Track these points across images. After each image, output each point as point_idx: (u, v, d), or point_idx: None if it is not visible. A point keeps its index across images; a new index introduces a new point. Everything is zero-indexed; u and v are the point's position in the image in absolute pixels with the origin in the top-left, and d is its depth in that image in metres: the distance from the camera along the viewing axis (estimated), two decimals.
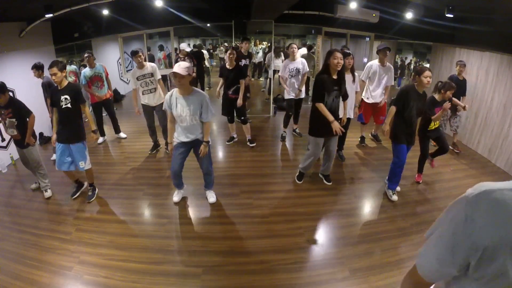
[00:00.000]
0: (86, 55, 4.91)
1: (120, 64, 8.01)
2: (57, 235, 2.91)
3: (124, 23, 6.20)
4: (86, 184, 3.70)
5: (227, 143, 5.08)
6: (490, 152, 4.71)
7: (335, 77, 3.27)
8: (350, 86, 3.89)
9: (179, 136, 3.07)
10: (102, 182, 3.88)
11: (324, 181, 3.86)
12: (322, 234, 2.96)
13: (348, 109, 4.07)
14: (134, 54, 4.21)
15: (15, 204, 3.51)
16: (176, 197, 3.45)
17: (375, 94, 4.56)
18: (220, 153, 4.81)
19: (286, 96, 4.96)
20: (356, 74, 4.02)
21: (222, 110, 4.86)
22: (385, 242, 2.85)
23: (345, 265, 2.52)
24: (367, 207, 3.40)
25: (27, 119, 3.32)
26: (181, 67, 2.75)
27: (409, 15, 4.96)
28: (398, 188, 3.60)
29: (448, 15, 4.22)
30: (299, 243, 2.80)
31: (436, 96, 3.58)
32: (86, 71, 4.91)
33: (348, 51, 3.96)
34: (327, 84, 3.23)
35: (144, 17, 6.36)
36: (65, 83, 3.20)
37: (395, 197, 3.48)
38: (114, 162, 4.32)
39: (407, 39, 7.26)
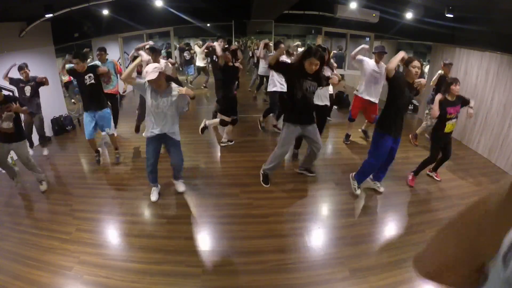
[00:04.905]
0: (97, 52, 5.09)
1: (120, 64, 8.01)
2: (57, 235, 2.90)
3: (124, 23, 6.21)
4: (101, 150, 4.33)
5: (229, 143, 4.96)
6: (490, 152, 4.71)
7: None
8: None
9: (151, 129, 3.10)
10: (102, 182, 3.89)
11: (308, 173, 3.86)
12: (322, 234, 2.96)
13: (323, 97, 4.10)
14: (153, 51, 4.46)
15: (15, 204, 3.51)
16: (154, 196, 3.40)
17: (369, 92, 4.51)
18: (219, 153, 4.81)
19: (270, 89, 4.86)
20: (334, 64, 4.12)
21: (231, 112, 4.52)
22: (385, 242, 2.85)
23: (345, 265, 2.52)
24: (367, 207, 3.39)
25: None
26: (149, 72, 2.74)
27: (409, 15, 4.96)
28: (380, 190, 3.57)
29: (448, 15, 4.22)
30: (299, 243, 2.80)
31: (449, 97, 3.44)
32: (97, 64, 5.02)
33: (324, 46, 3.89)
34: (298, 72, 3.06)
35: (144, 17, 6.37)
36: (85, 68, 3.93)
37: (359, 191, 3.49)
38: (114, 162, 4.31)
39: (407, 39, 7.25)
